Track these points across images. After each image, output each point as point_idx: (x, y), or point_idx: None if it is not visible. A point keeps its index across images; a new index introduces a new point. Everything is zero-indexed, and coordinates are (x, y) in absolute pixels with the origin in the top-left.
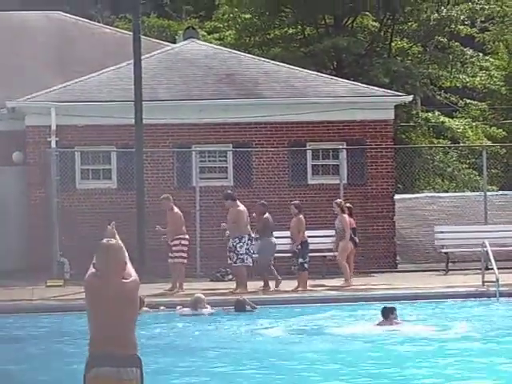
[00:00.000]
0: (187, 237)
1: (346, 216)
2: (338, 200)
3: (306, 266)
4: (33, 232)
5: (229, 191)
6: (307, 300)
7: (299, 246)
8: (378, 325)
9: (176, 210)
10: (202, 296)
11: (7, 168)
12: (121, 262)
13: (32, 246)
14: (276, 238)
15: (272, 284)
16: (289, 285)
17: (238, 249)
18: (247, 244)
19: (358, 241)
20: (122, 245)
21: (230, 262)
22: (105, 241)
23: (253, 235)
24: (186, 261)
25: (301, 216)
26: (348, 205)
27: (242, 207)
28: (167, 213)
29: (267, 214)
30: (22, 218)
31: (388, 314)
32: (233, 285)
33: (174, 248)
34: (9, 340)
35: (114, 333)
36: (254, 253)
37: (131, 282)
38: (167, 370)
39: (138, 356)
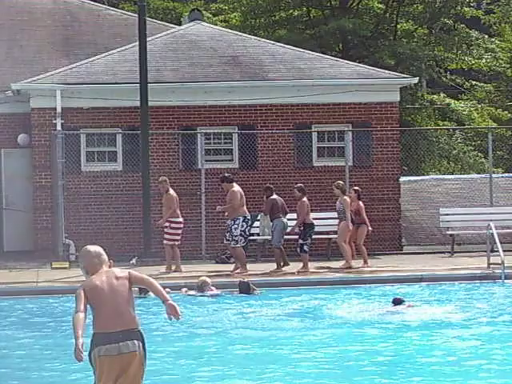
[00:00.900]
0: (180, 219)
1: (346, 197)
2: (338, 181)
3: (305, 248)
4: (38, 214)
5: (225, 174)
6: (313, 282)
7: (301, 228)
8: (385, 308)
9: (171, 192)
10: (208, 279)
11: (13, 150)
12: (104, 255)
13: (37, 228)
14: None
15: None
16: (296, 266)
17: (233, 230)
18: (242, 226)
19: (368, 224)
20: None
21: (225, 241)
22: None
23: (248, 217)
24: (177, 243)
25: (303, 199)
26: (356, 188)
27: (236, 187)
28: (164, 195)
29: (274, 196)
30: (27, 200)
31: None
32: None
33: (165, 230)
34: (16, 322)
35: (114, 311)
36: (248, 234)
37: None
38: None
39: (138, 330)
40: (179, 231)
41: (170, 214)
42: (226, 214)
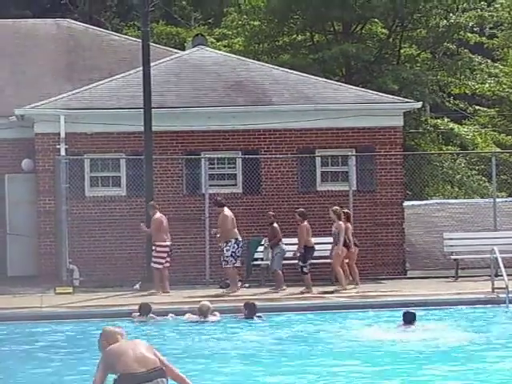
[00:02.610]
0: (167, 243)
1: (341, 223)
2: (335, 207)
3: (305, 269)
4: (42, 239)
5: (217, 198)
6: (317, 307)
7: (302, 251)
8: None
9: (156, 216)
10: (209, 303)
11: (17, 175)
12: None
13: (41, 253)
14: (285, 244)
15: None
16: (297, 290)
17: (225, 252)
18: (233, 247)
19: (353, 245)
20: None
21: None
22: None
23: (239, 239)
24: (162, 266)
25: (303, 224)
26: (346, 210)
27: (226, 212)
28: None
29: (275, 224)
30: (31, 225)
31: (410, 320)
32: (244, 292)
33: (153, 253)
34: (19, 347)
35: (137, 355)
36: (239, 256)
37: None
38: None
39: (162, 368)
40: (164, 254)
41: (155, 238)
42: (218, 235)
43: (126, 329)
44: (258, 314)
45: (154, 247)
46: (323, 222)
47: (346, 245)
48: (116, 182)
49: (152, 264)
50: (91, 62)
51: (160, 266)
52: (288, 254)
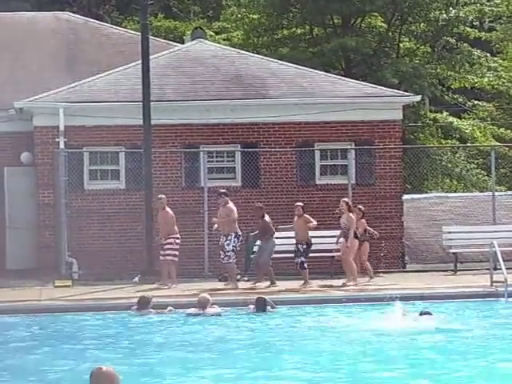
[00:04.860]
0: (179, 236)
1: (351, 214)
2: (346, 198)
3: (305, 265)
4: (41, 232)
5: (221, 190)
6: (317, 300)
7: (304, 246)
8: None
9: (167, 209)
10: (208, 296)
11: (16, 169)
12: None
13: (41, 246)
14: (283, 238)
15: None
16: (293, 285)
17: (225, 246)
18: (234, 242)
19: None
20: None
21: (222, 261)
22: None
23: (239, 233)
24: (177, 259)
25: (305, 217)
26: (360, 207)
27: (232, 205)
28: (159, 212)
29: (267, 217)
30: (30, 218)
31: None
32: (242, 285)
33: (166, 246)
34: (16, 340)
35: None
36: (237, 250)
37: None
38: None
39: None
40: (178, 247)
41: (170, 231)
42: (216, 226)
43: (126, 323)
44: (270, 309)
45: (171, 240)
46: (322, 215)
47: (356, 237)
48: (115, 175)
49: (168, 257)
50: (90, 55)
51: (176, 259)
52: (284, 248)
